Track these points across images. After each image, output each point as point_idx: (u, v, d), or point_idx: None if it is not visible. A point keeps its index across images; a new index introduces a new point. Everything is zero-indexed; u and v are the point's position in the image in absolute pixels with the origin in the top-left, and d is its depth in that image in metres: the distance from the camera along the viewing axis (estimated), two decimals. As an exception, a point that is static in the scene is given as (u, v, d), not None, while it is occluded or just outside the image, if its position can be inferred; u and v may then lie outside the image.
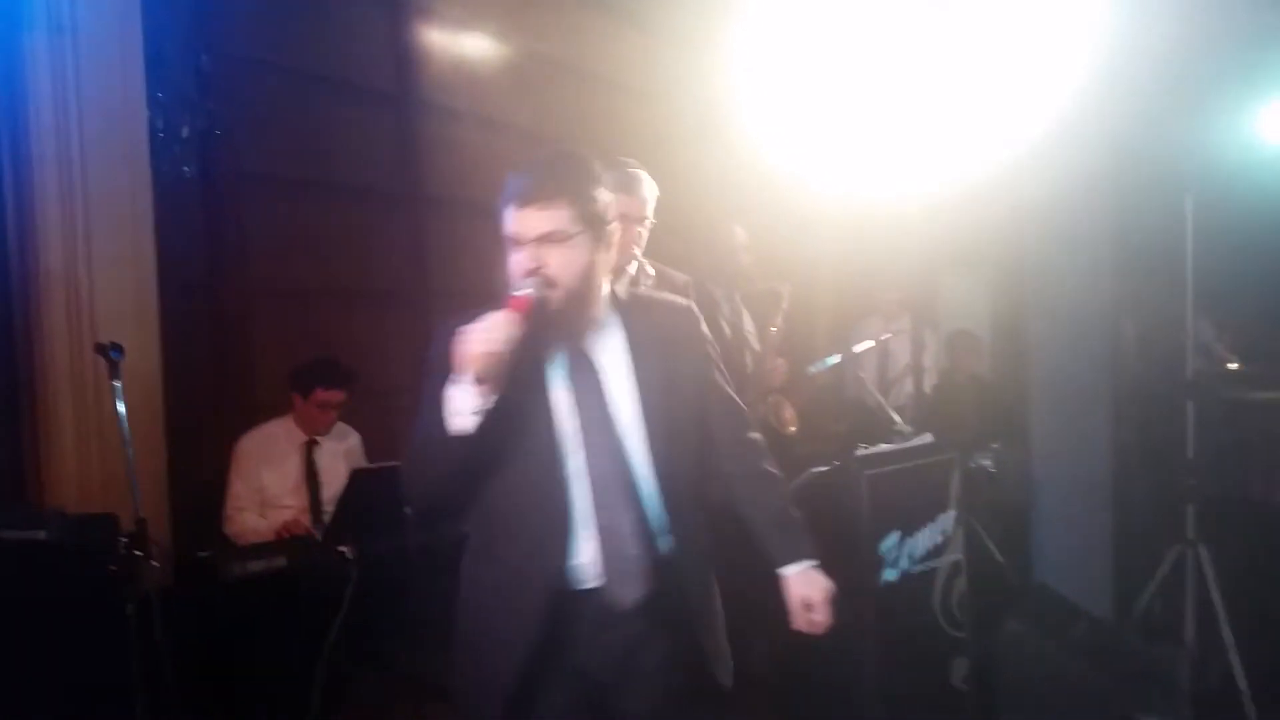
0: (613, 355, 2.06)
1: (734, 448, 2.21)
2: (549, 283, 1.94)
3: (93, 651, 2.73)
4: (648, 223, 3.18)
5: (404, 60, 5.01)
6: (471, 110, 5.24)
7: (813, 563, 2.18)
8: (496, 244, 2.01)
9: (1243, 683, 3.71)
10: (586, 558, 2.01)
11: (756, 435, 2.24)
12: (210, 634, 3.14)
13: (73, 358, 3.48)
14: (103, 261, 3.55)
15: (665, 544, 2.07)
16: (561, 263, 1.94)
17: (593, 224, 1.98)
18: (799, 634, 2.19)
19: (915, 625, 3.52)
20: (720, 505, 2.27)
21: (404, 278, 5.01)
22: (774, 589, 2.21)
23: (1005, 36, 3.95)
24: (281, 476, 3.87)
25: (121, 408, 2.84)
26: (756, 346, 4.13)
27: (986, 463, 4.78)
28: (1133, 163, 4.49)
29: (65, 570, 2.75)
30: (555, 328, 2.00)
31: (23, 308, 3.47)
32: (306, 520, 3.78)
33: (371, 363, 4.30)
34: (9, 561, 2.70)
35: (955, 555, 3.69)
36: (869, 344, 5.22)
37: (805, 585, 2.16)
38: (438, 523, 3.39)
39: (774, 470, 2.22)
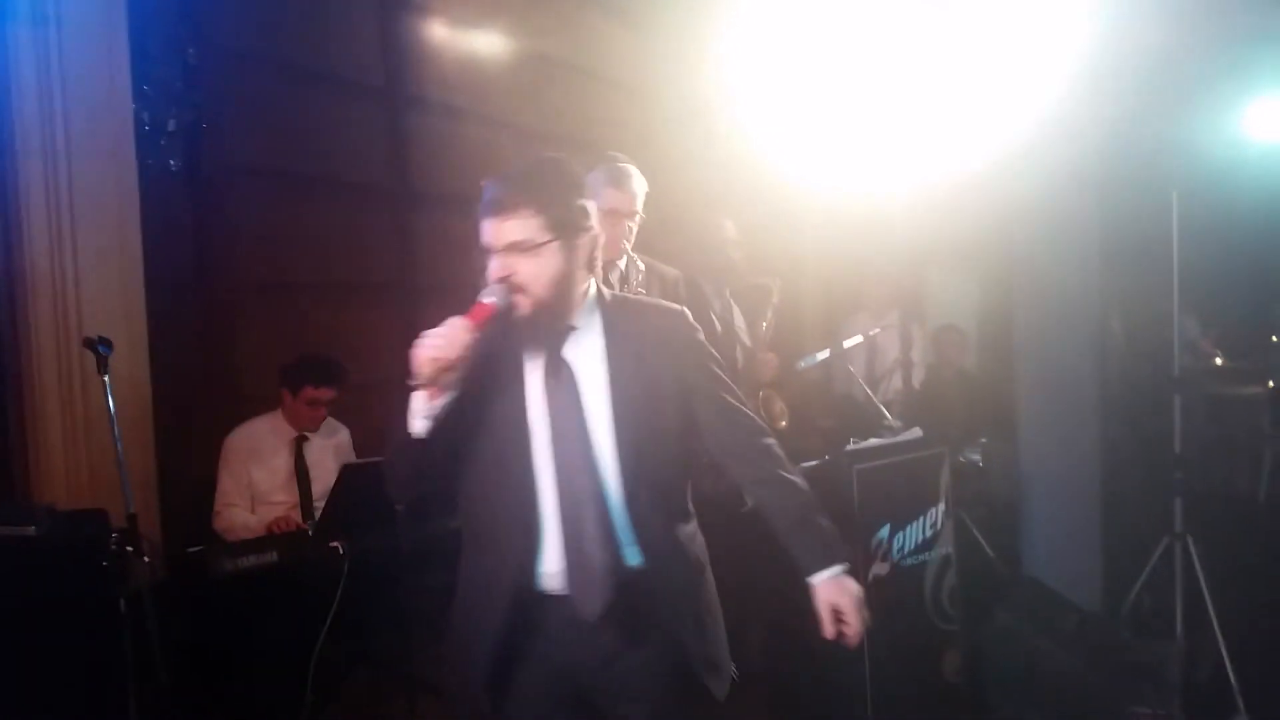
0: (590, 361, 2.04)
1: (746, 454, 2.15)
2: (518, 290, 1.95)
3: (85, 647, 2.71)
4: (638, 217, 3.19)
5: (392, 54, 4.99)
6: (461, 105, 5.22)
7: (841, 568, 2.10)
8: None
9: (1232, 674, 3.74)
10: (552, 565, 2.02)
11: (771, 441, 2.16)
12: (202, 629, 3.13)
13: (60, 353, 3.45)
14: (89, 256, 3.52)
15: (633, 556, 2.03)
16: (531, 271, 1.95)
17: (564, 232, 1.97)
18: (790, 628, 2.18)
19: (906, 618, 3.53)
20: (716, 499, 2.27)
21: (392, 272, 4.99)
22: (766, 582, 2.20)
23: (993, 33, 3.97)
24: (271, 472, 3.85)
25: (111, 403, 2.82)
26: (747, 342, 4.12)
27: (975, 457, 4.80)
28: (1119, 159, 4.52)
29: (56, 566, 2.73)
30: (528, 334, 2.01)
31: (9, 303, 3.44)
32: (297, 516, 3.77)
33: (360, 357, 4.27)
34: (-1, 557, 2.69)
35: (945, 549, 3.71)
36: (858, 339, 5.23)
37: (832, 593, 2.08)
38: (428, 518, 3.40)
39: (791, 476, 2.14)
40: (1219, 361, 5.86)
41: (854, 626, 2.09)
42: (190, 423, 4.00)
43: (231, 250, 4.32)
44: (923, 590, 3.62)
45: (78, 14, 3.49)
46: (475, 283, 2.01)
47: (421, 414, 1.91)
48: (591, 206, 2.06)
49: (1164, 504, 4.12)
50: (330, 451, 3.96)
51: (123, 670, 2.72)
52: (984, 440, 4.92)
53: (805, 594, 2.11)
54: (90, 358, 2.98)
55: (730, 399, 2.15)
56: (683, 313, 2.18)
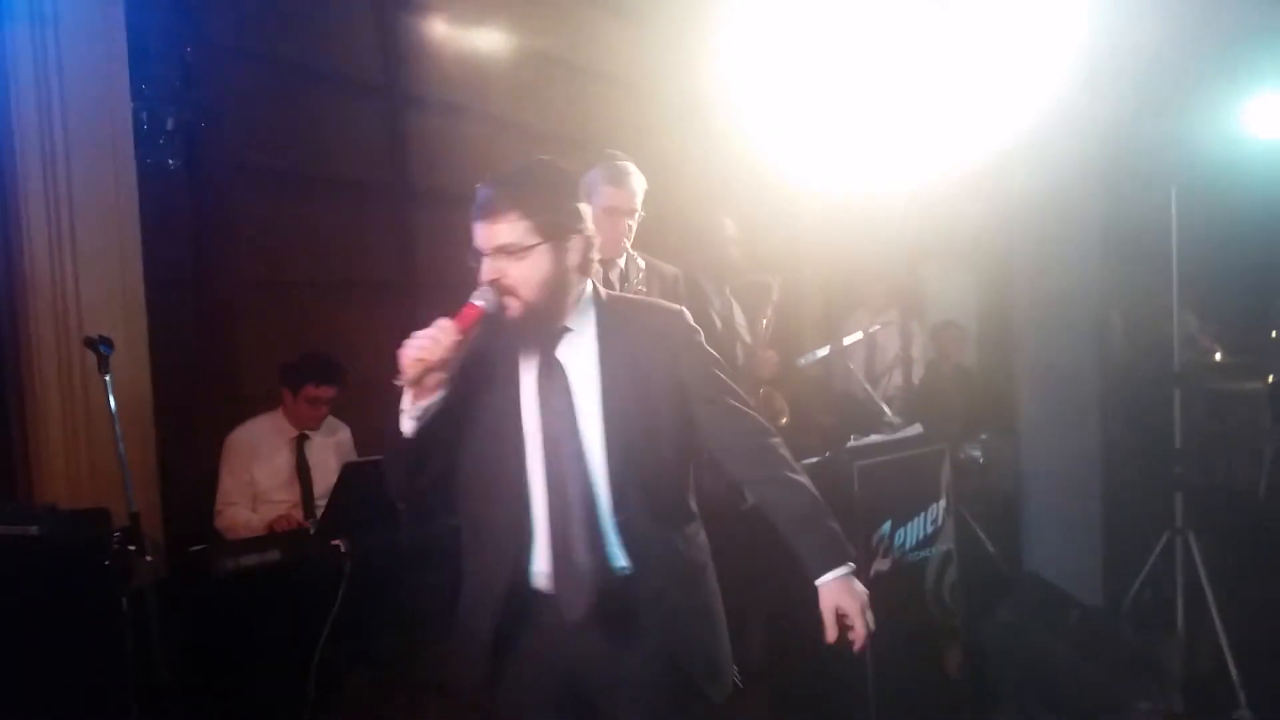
0: (583, 362, 2.04)
1: (749, 455, 2.13)
2: (508, 293, 1.95)
3: (87, 646, 2.71)
4: (637, 215, 3.18)
5: (391, 51, 4.98)
6: (460, 102, 5.22)
7: (846, 569, 2.07)
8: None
9: (1233, 669, 3.74)
10: (541, 564, 2.02)
11: (774, 441, 2.14)
12: (204, 628, 3.13)
13: (60, 352, 3.43)
14: (89, 255, 3.51)
15: (619, 559, 2.02)
16: (519, 275, 1.95)
17: (552, 235, 1.97)
18: (792, 623, 2.17)
19: (908, 615, 3.53)
20: (715, 496, 2.27)
21: (392, 270, 4.99)
22: (767, 577, 2.18)
23: (993, 29, 3.97)
24: (272, 471, 3.85)
25: (113, 402, 2.82)
26: (747, 339, 4.13)
27: (976, 453, 4.80)
28: (1119, 155, 4.53)
29: (58, 565, 2.73)
30: (519, 335, 2.02)
31: (8, 303, 3.43)
32: (299, 515, 3.77)
33: (360, 356, 4.26)
34: (2, 557, 2.68)
35: (946, 545, 3.71)
36: (858, 336, 5.23)
37: (837, 595, 2.05)
38: (430, 517, 3.39)
39: (796, 476, 2.11)
40: (1219, 356, 5.87)
41: (860, 631, 2.05)
42: (191, 421, 3.99)
43: (231, 248, 4.32)
44: (924, 586, 3.62)
45: (76, 13, 3.48)
46: (474, 282, 2.01)
47: (408, 414, 1.92)
48: (585, 208, 2.05)
49: (1164, 499, 4.12)
50: (331, 450, 3.96)
51: (124, 669, 2.72)
52: (984, 436, 4.93)
53: (807, 589, 2.09)
54: (90, 356, 2.98)
55: (731, 400, 2.13)
56: (680, 312, 2.17)
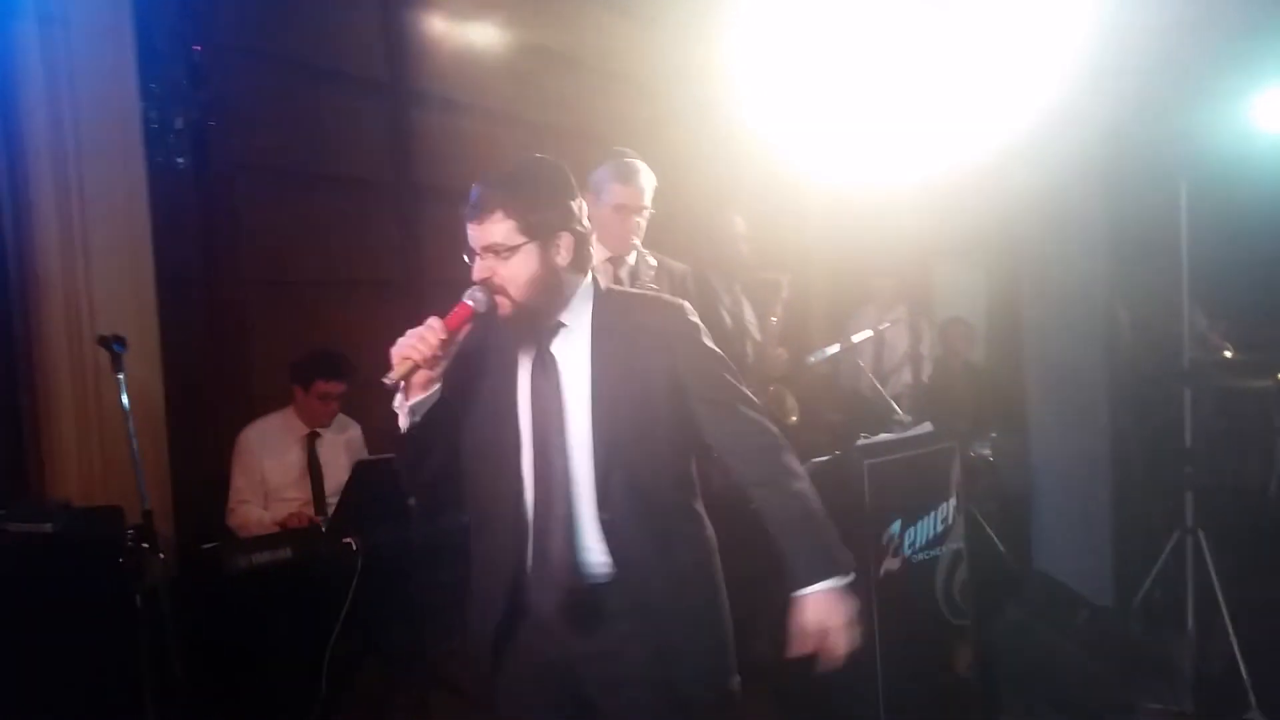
0: (576, 356, 2.03)
1: (748, 455, 2.07)
2: (498, 292, 1.96)
3: (101, 643, 2.72)
4: (646, 213, 3.17)
5: (397, 49, 4.99)
6: (466, 99, 5.23)
7: (833, 581, 1.99)
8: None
9: (1244, 669, 3.72)
10: (531, 560, 2.03)
11: (773, 441, 2.07)
12: (217, 625, 3.14)
13: (71, 351, 3.45)
14: (99, 254, 3.53)
15: (598, 557, 2.00)
16: (508, 274, 1.96)
17: (539, 234, 1.96)
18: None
19: (917, 613, 3.52)
20: (723, 492, 2.25)
21: (399, 267, 5.00)
22: (774, 574, 2.14)
23: (1000, 25, 3.96)
24: (283, 469, 3.86)
25: (126, 400, 2.83)
26: (757, 336, 4.13)
27: (985, 451, 4.79)
28: (1127, 150, 4.50)
29: (72, 563, 2.75)
30: (512, 333, 2.03)
31: (20, 302, 3.44)
32: (310, 512, 3.77)
33: (369, 352, 4.25)
34: (16, 554, 2.70)
35: (956, 544, 3.70)
36: (867, 334, 5.22)
37: (817, 612, 1.98)
38: (440, 514, 3.40)
39: (792, 480, 2.04)
40: (1228, 354, 5.84)
41: (837, 647, 1.98)
42: (202, 419, 4.01)
43: (240, 246, 4.33)
44: (934, 585, 3.60)
45: (85, 13, 3.50)
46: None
47: (401, 411, 1.95)
48: (577, 205, 2.03)
49: (1175, 498, 4.10)
50: (342, 447, 3.97)
51: (138, 666, 2.74)
52: (994, 435, 4.92)
53: None
54: (102, 354, 2.99)
55: (734, 401, 2.08)
56: (680, 305, 2.12)
